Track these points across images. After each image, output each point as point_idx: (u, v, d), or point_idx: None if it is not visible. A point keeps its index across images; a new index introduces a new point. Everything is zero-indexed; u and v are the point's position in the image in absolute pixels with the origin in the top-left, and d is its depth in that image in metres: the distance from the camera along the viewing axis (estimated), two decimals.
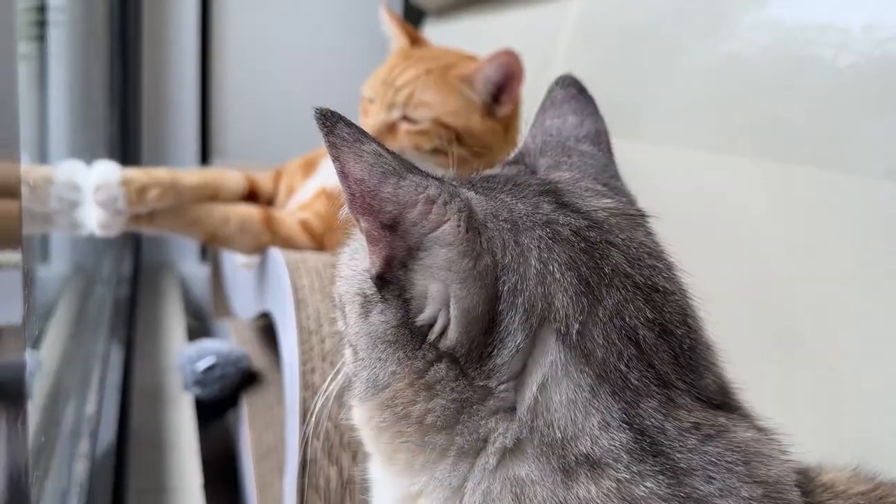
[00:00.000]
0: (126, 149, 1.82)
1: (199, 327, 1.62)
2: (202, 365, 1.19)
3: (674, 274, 0.48)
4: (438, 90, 0.92)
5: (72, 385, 1.15)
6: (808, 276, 0.80)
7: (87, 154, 1.51)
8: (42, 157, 1.33)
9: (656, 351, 0.42)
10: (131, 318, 1.48)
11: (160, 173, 0.88)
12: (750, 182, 0.89)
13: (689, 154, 1.00)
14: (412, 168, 0.41)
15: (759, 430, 0.44)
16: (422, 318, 0.42)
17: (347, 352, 0.48)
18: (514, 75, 0.94)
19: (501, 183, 0.48)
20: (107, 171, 0.83)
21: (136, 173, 0.86)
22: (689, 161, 1.00)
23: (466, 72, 0.94)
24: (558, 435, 0.40)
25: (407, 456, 0.44)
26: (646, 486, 0.38)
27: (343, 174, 0.40)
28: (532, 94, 1.06)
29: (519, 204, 0.45)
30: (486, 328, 0.41)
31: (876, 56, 0.72)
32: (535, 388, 0.41)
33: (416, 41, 1.03)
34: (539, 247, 0.43)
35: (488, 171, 0.52)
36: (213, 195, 0.94)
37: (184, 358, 1.22)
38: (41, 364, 1.18)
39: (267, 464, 1.00)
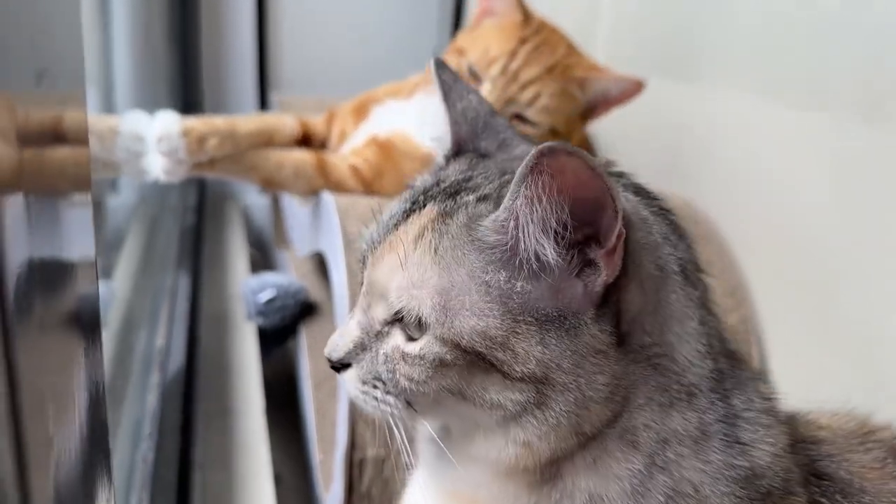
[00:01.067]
0: (187, 84, 1.88)
1: (260, 257, 1.70)
2: (263, 297, 1.26)
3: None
4: (560, 97, 0.95)
5: (143, 313, 1.25)
6: (847, 221, 0.81)
7: (150, 95, 1.57)
8: (108, 99, 1.39)
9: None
10: (197, 248, 1.57)
11: (218, 122, 0.92)
12: (797, 129, 0.88)
13: (740, 97, 0.99)
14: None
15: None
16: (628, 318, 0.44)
17: (499, 391, 0.45)
18: (625, 101, 0.97)
19: None
20: (168, 123, 0.88)
21: (195, 123, 0.90)
22: (739, 104, 1.00)
23: (586, 76, 0.96)
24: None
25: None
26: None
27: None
28: (582, 38, 1.06)
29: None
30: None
31: None
32: None
33: (527, 16, 1.00)
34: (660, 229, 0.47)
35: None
36: (268, 141, 0.98)
37: (247, 289, 1.29)
38: (114, 294, 1.27)
39: (324, 390, 1.07)
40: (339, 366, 0.49)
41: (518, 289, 0.43)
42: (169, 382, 0.99)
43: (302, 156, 1.00)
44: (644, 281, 0.44)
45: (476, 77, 0.94)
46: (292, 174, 0.99)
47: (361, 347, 0.49)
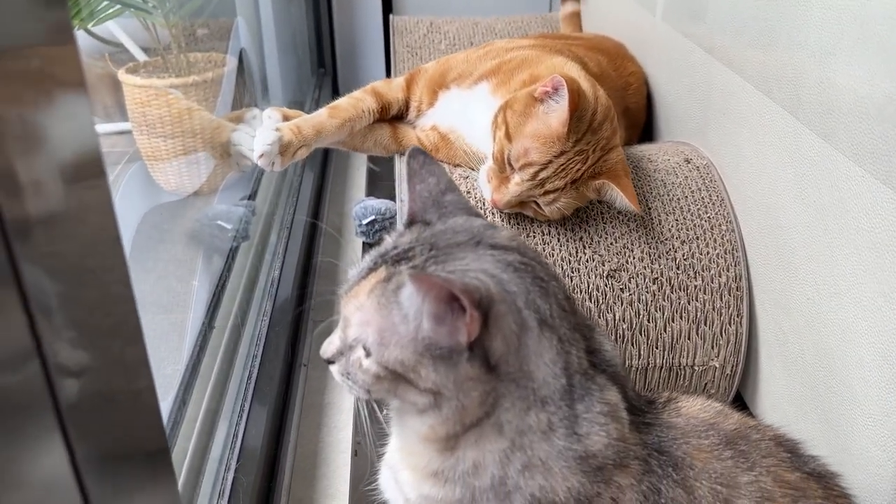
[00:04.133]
0: (317, 8, 2.11)
1: (378, 171, 1.98)
2: (365, 220, 1.57)
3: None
4: (575, 199, 1.10)
5: (273, 225, 1.58)
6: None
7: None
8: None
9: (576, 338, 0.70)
10: (323, 171, 1.88)
11: (307, 129, 1.16)
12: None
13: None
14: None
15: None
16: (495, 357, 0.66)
17: (414, 395, 0.66)
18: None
19: (455, 246, 0.70)
20: (266, 142, 1.12)
21: (290, 136, 1.14)
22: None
23: (604, 183, 1.08)
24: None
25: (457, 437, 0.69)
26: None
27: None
28: None
29: (478, 263, 0.68)
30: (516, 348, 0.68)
31: None
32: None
33: (570, 133, 1.04)
34: (527, 291, 0.68)
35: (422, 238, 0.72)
36: (350, 131, 1.22)
37: (354, 213, 1.60)
38: (255, 210, 1.62)
39: None
40: (328, 361, 0.73)
41: (420, 337, 0.65)
42: (283, 292, 1.32)
43: (381, 130, 1.24)
44: (506, 335, 0.65)
45: (511, 165, 1.06)
46: (373, 144, 1.25)
47: (340, 353, 0.70)
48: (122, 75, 1.50)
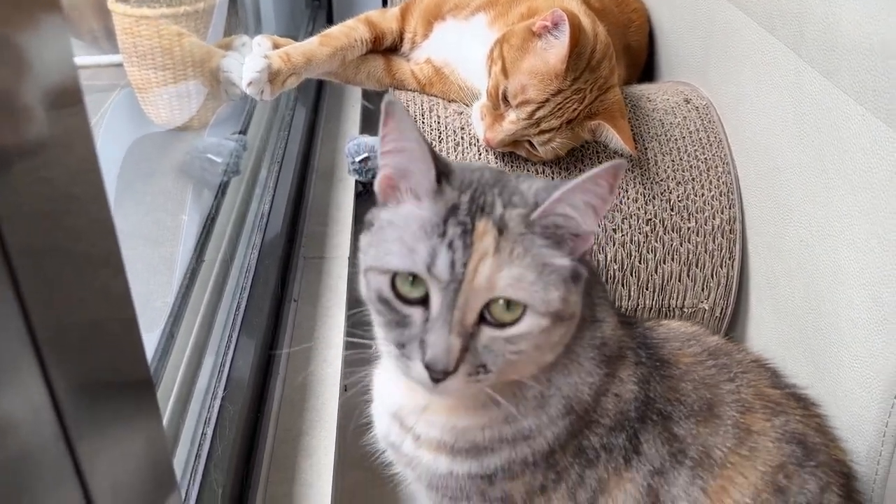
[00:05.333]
0: None
1: (372, 108, 1.95)
2: (358, 158, 1.54)
3: None
4: (569, 139, 1.09)
5: (264, 160, 1.55)
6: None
7: None
8: None
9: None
10: (317, 105, 1.84)
11: (297, 57, 1.13)
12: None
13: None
14: None
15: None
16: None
17: (559, 331, 0.63)
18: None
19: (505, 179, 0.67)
20: (255, 70, 1.09)
21: (279, 64, 1.11)
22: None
23: (599, 123, 1.06)
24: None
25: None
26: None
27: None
28: None
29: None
30: None
31: None
32: None
33: (568, 69, 1.01)
34: None
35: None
36: (342, 60, 1.19)
37: (346, 150, 1.57)
38: (247, 145, 1.59)
39: None
40: (443, 375, 0.60)
41: (564, 264, 0.62)
42: (273, 228, 1.31)
43: (375, 62, 1.21)
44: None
45: (506, 101, 1.03)
46: (366, 76, 1.22)
47: (465, 348, 0.60)
48: (111, 4, 1.45)
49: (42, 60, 0.42)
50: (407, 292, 0.62)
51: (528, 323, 0.61)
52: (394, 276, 0.62)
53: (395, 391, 0.74)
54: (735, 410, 0.72)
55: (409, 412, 0.72)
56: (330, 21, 2.30)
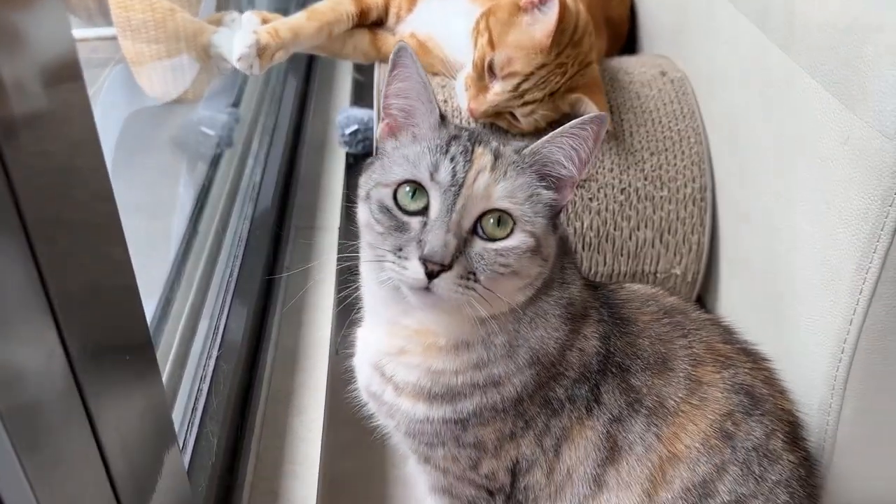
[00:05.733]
0: None
1: (363, 81, 1.98)
2: (348, 130, 1.58)
3: None
4: (550, 110, 1.12)
5: (256, 132, 1.60)
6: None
7: None
8: None
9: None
10: (308, 76, 1.88)
11: (285, 32, 1.16)
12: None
13: None
14: None
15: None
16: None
17: (536, 265, 0.71)
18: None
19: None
20: (245, 45, 1.13)
21: (267, 39, 1.14)
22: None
23: (579, 97, 1.10)
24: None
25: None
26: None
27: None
28: None
29: None
30: None
31: None
32: None
33: (553, 45, 1.05)
34: None
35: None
36: (329, 34, 1.23)
37: (337, 122, 1.61)
38: (239, 117, 1.64)
39: None
40: (439, 271, 0.66)
41: (548, 200, 0.71)
42: (266, 199, 1.36)
43: (361, 36, 1.25)
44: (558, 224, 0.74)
45: (492, 73, 1.07)
46: (352, 49, 1.26)
47: (459, 251, 0.67)
48: None
49: (41, 37, 0.47)
50: (407, 204, 0.70)
51: (517, 239, 0.69)
52: (396, 190, 0.70)
53: (375, 340, 0.80)
54: (687, 364, 0.78)
55: (388, 358, 0.78)
56: None
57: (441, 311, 0.72)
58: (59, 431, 0.51)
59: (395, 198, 0.70)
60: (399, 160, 0.72)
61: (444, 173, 0.68)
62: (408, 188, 0.70)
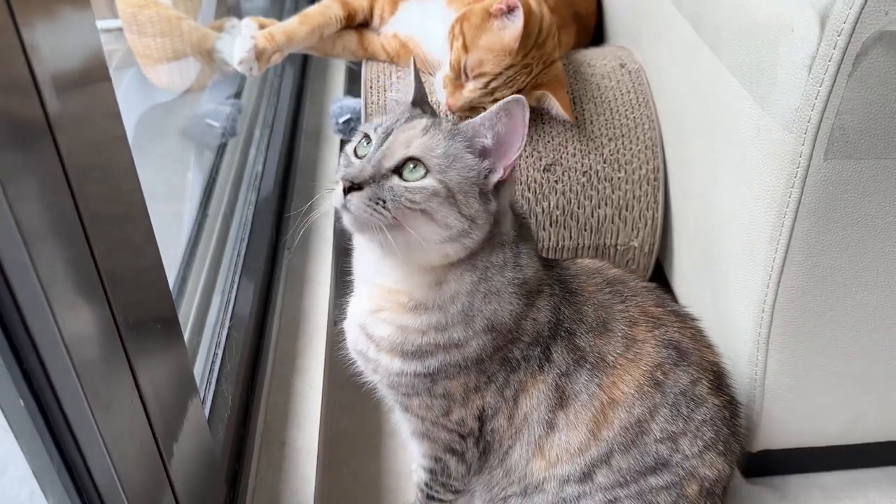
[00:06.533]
0: None
1: (356, 70, 2.11)
2: (342, 119, 1.72)
3: None
4: None
5: (257, 122, 1.74)
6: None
7: None
8: None
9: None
10: (305, 61, 2.01)
11: (280, 36, 1.30)
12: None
13: None
14: None
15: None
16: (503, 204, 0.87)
17: (454, 218, 0.83)
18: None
19: None
20: (245, 49, 1.27)
21: (264, 43, 1.28)
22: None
23: (544, 93, 1.24)
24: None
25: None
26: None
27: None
28: None
29: None
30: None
31: None
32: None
33: (520, 48, 1.18)
34: None
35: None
36: (320, 36, 1.37)
37: (331, 111, 1.75)
38: (241, 108, 1.77)
39: None
40: (351, 187, 0.80)
41: (471, 164, 0.84)
42: (267, 188, 1.50)
43: (349, 37, 1.39)
44: (509, 193, 0.88)
45: (465, 74, 1.20)
46: (341, 49, 1.40)
47: (372, 179, 0.80)
48: None
49: (76, 43, 0.57)
50: (360, 151, 0.87)
51: (425, 182, 0.82)
52: (357, 144, 0.88)
53: (359, 302, 0.95)
54: (624, 325, 0.93)
55: (370, 317, 0.92)
56: None
57: (379, 248, 0.85)
58: (111, 380, 0.65)
59: (355, 149, 0.88)
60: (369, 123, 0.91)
61: (383, 127, 0.85)
62: (362, 139, 0.88)
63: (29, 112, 0.51)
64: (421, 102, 0.94)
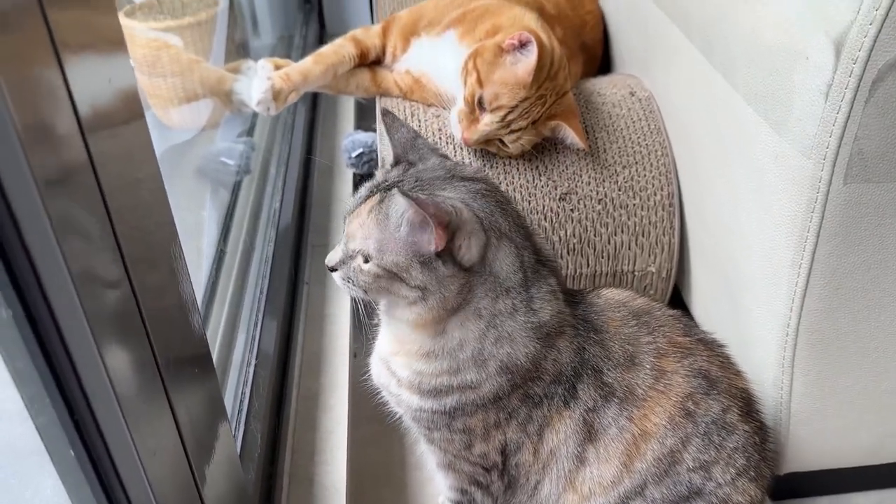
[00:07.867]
0: None
1: (365, 104, 2.14)
2: (354, 153, 1.74)
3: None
4: (534, 136, 1.31)
5: (272, 160, 1.76)
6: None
7: None
8: None
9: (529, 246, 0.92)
10: (315, 97, 2.03)
11: (295, 76, 1.33)
12: None
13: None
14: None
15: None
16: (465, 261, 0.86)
17: (405, 290, 0.86)
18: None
19: (436, 180, 0.90)
20: (262, 90, 1.30)
21: (280, 84, 1.31)
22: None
23: (558, 123, 1.27)
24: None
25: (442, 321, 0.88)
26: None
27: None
28: None
29: (455, 192, 0.88)
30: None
31: None
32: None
33: (534, 80, 1.20)
34: (491, 212, 0.88)
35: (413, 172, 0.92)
36: (334, 75, 1.39)
37: (343, 146, 1.77)
38: (254, 146, 1.79)
39: None
40: (332, 269, 0.93)
41: (408, 244, 0.85)
42: (285, 221, 1.52)
43: (362, 74, 1.41)
44: (471, 246, 0.85)
45: (481, 106, 1.22)
46: (355, 87, 1.42)
47: (342, 262, 0.89)
48: (121, 19, 1.62)
49: (114, 85, 0.58)
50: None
51: (369, 267, 0.86)
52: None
53: (382, 341, 0.98)
54: (652, 357, 0.93)
55: (389, 356, 0.95)
56: (321, 23, 2.49)
57: (386, 312, 0.94)
58: (150, 411, 0.66)
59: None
60: None
61: (349, 208, 0.91)
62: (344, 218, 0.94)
63: (74, 155, 0.52)
64: (403, 156, 0.96)
